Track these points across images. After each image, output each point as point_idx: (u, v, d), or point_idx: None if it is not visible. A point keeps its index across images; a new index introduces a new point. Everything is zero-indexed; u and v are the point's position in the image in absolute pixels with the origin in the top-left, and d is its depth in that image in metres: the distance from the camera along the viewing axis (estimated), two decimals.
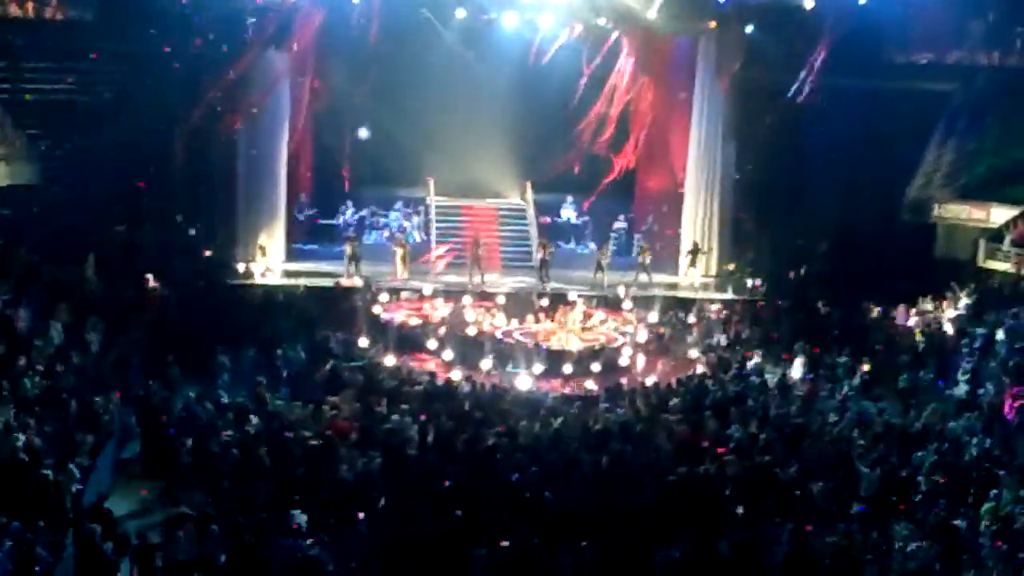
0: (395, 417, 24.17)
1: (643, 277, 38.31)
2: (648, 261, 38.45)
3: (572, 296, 35.76)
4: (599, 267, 38.24)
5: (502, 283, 37.93)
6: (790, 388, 28.99)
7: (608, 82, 40.60)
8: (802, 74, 37.43)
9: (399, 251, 37.82)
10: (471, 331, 33.17)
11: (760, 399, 27.30)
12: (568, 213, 43.39)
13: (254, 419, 23.79)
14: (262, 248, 37.35)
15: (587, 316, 34.55)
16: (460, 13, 37.45)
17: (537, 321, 34.50)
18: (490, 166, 41.62)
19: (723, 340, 33.65)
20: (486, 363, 31.00)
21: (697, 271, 39.55)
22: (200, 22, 35.56)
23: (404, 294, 36.19)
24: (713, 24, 38.34)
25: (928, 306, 34.89)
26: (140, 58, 36.59)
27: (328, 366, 28.52)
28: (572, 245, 42.85)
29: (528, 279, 38.39)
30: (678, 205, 41.24)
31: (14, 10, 37.78)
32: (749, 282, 38.24)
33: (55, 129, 36.80)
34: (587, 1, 37.08)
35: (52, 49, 37.33)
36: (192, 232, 37.43)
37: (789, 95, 37.69)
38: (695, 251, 39.54)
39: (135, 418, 24.87)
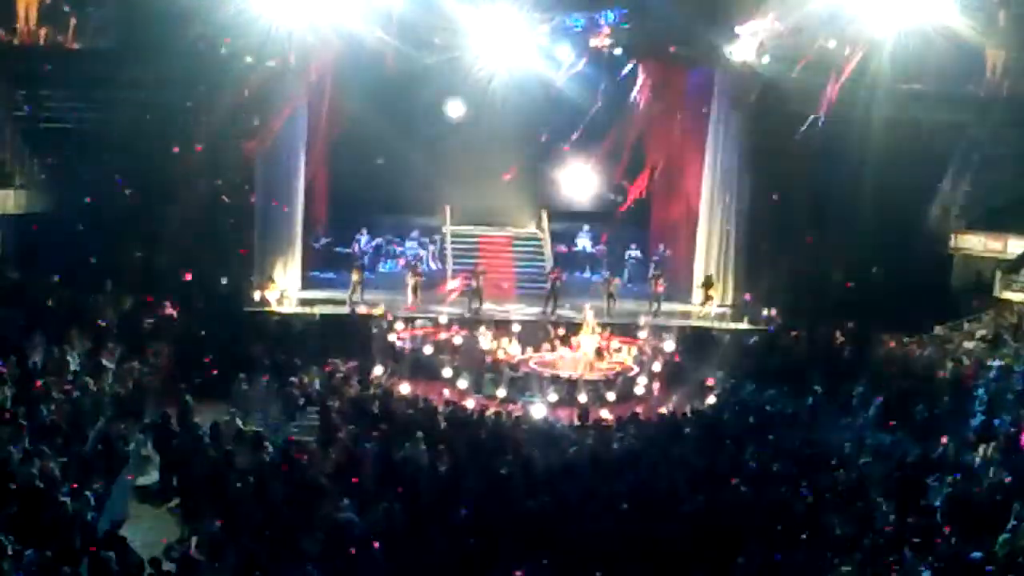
0: (409, 445, 24.20)
1: (655, 306, 38.38)
2: (661, 290, 38.49)
3: (590, 320, 35.75)
4: (610, 296, 38.31)
5: (517, 311, 37.93)
6: (805, 418, 28.96)
7: (624, 112, 40.70)
8: (818, 105, 37.41)
9: (412, 280, 37.84)
10: (486, 360, 33.21)
11: (776, 429, 27.28)
12: (584, 242, 43.47)
13: (269, 446, 23.88)
14: (271, 279, 37.35)
15: (601, 348, 34.52)
16: None
17: (552, 349, 34.52)
18: (506, 195, 41.69)
19: (739, 370, 33.63)
20: (501, 392, 31.05)
21: (713, 304, 39.45)
22: (218, 50, 35.59)
23: (419, 322, 36.20)
24: (729, 58, 38.40)
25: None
26: (157, 86, 36.72)
27: (348, 395, 28.67)
28: (587, 274, 42.85)
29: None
30: (693, 234, 41.24)
31: (31, 38, 37.89)
32: (765, 312, 38.18)
33: (72, 156, 36.89)
34: (605, 32, 37.12)
35: (70, 77, 37.46)
36: (209, 260, 37.45)
37: (805, 126, 37.62)
38: (708, 284, 39.49)
39: (151, 445, 24.94)
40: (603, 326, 35.58)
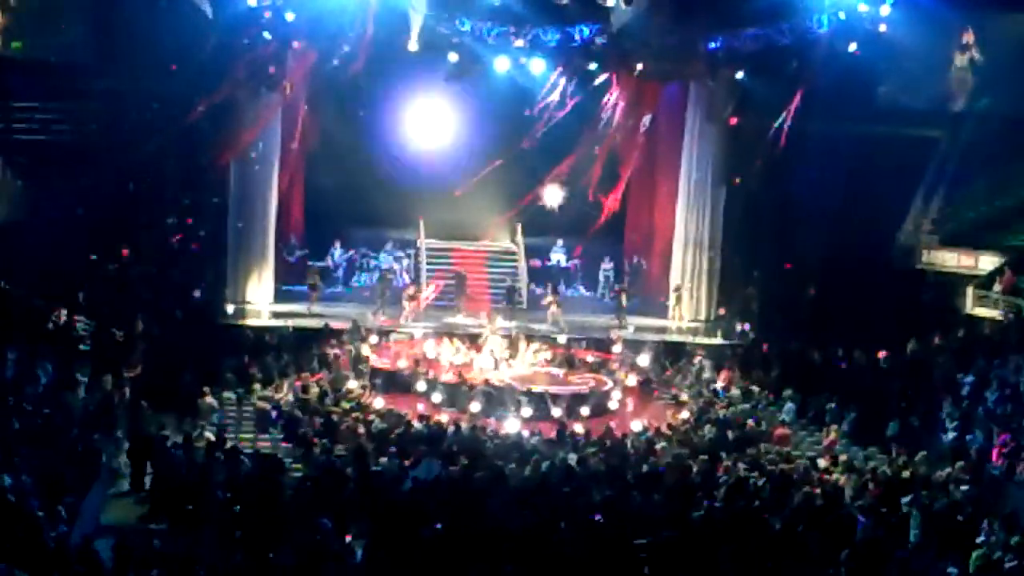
0: (383, 459, 24.18)
1: (622, 319, 38.54)
2: (624, 303, 38.62)
3: (562, 339, 35.99)
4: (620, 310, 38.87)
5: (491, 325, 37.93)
6: (780, 433, 29.05)
7: (598, 125, 40.64)
8: (786, 118, 37.51)
9: (410, 291, 38.25)
10: (459, 374, 33.16)
11: (749, 444, 27.37)
12: (558, 256, 43.37)
13: (245, 460, 23.86)
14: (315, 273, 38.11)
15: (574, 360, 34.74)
16: (452, 57, 37.43)
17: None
18: (481, 208, 41.61)
19: (712, 385, 33.71)
20: (475, 406, 30.99)
21: (682, 310, 39.74)
22: (191, 63, 35.54)
23: (393, 336, 36.16)
24: (702, 73, 38.52)
25: None
26: (131, 97, 36.67)
27: (321, 408, 28.68)
28: (561, 288, 42.78)
29: (516, 322, 38.30)
30: (668, 248, 41.30)
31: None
32: (738, 326, 38.26)
33: (46, 167, 36.74)
34: (578, 47, 37.10)
35: (44, 88, 37.38)
36: (181, 271, 37.35)
37: (775, 140, 37.71)
38: (678, 290, 39.81)
39: (124, 457, 24.88)
40: (578, 340, 35.95)
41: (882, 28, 36.14)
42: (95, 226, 36.14)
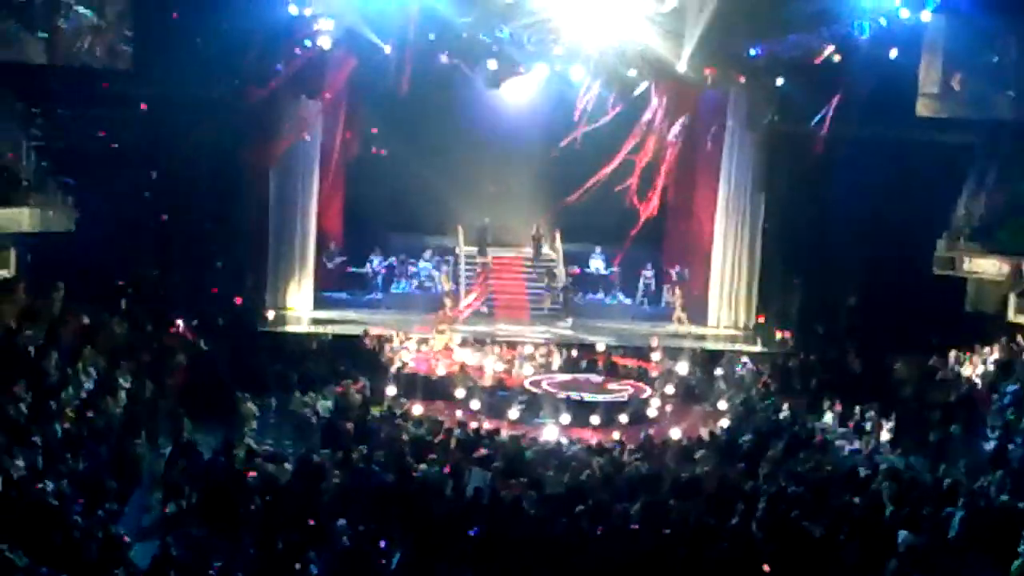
0: (422, 467, 24.20)
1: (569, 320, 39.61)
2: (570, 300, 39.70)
3: (600, 347, 36.03)
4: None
5: (531, 332, 38.01)
6: (821, 441, 28.91)
7: (637, 132, 40.59)
8: (826, 125, 37.42)
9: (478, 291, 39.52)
10: (499, 381, 33.23)
11: (790, 452, 27.24)
12: (596, 264, 43.34)
13: (287, 466, 23.95)
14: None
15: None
16: (492, 64, 37.45)
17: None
18: (520, 215, 41.68)
19: (752, 392, 33.59)
20: (513, 413, 31.02)
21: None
22: (232, 70, 35.76)
23: (431, 342, 36.28)
24: (743, 79, 38.43)
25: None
26: (171, 104, 36.88)
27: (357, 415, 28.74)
28: (600, 296, 42.81)
29: (556, 330, 38.42)
30: (708, 255, 41.24)
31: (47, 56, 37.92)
32: (778, 334, 38.18)
33: (88, 175, 36.98)
34: (617, 54, 37.04)
35: (86, 96, 37.61)
36: (222, 279, 37.57)
37: (815, 146, 37.64)
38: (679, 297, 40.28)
39: (165, 464, 24.98)
40: (618, 347, 36.41)
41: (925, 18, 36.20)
42: (138, 233, 36.37)
